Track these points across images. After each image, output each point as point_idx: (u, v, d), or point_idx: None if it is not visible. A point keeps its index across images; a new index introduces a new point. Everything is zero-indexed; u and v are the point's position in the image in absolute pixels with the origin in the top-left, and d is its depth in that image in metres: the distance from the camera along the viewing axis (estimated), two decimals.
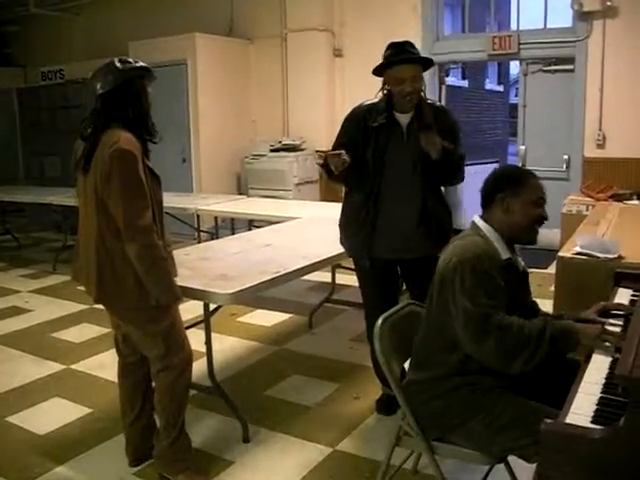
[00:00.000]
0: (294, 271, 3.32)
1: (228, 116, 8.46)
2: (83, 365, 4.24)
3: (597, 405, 1.66)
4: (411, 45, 3.08)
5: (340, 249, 3.65)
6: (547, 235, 7.12)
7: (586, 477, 1.52)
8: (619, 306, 2.30)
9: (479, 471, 2.59)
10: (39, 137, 10.04)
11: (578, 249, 3.06)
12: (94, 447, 3.17)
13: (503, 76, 17.93)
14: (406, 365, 2.39)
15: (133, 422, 2.94)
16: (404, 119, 3.14)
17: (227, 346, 4.52)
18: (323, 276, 5.40)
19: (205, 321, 3.29)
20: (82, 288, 2.71)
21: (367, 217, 3.17)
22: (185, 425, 2.84)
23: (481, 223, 2.26)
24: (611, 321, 2.18)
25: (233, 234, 5.85)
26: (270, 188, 7.83)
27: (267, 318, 5.16)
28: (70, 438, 3.28)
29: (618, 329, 2.10)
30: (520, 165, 2.45)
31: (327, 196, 7.91)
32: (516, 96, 9.43)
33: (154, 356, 2.72)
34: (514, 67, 14.81)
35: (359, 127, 3.17)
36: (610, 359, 1.90)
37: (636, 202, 5.26)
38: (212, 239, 6.29)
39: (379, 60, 3.11)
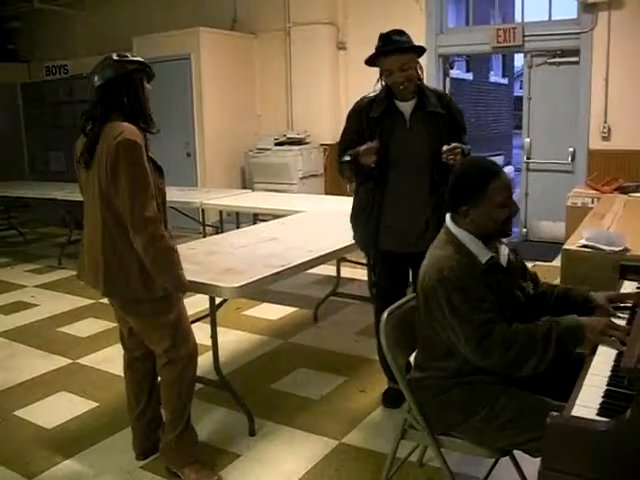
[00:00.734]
0: (299, 265, 3.33)
1: (232, 110, 8.46)
2: (89, 359, 4.26)
3: (603, 397, 1.66)
4: (399, 33, 3.06)
5: (345, 243, 3.66)
6: (551, 228, 7.15)
7: (592, 469, 1.52)
8: (627, 296, 2.29)
9: (485, 464, 2.59)
10: (43, 132, 10.07)
11: (583, 242, 3.05)
12: (101, 441, 3.19)
13: (507, 69, 17.89)
14: (411, 358, 2.40)
15: (139, 416, 2.95)
16: (406, 107, 3.13)
17: (233, 340, 4.53)
18: (328, 270, 5.40)
19: (211, 315, 3.30)
20: (94, 287, 2.72)
21: (373, 210, 3.17)
22: (191, 418, 2.85)
23: (454, 228, 2.20)
24: (617, 314, 2.18)
25: (238, 228, 5.86)
26: (275, 182, 7.83)
27: (272, 312, 5.17)
28: (77, 432, 3.30)
29: (624, 322, 2.10)
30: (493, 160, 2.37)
31: (332, 190, 7.92)
32: (521, 88, 9.40)
33: (160, 349, 2.72)
34: (519, 59, 14.78)
35: (362, 121, 3.18)
36: (616, 351, 1.90)
37: None
38: (217, 233, 6.30)
39: None
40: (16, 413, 3.51)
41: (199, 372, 2.90)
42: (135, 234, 2.49)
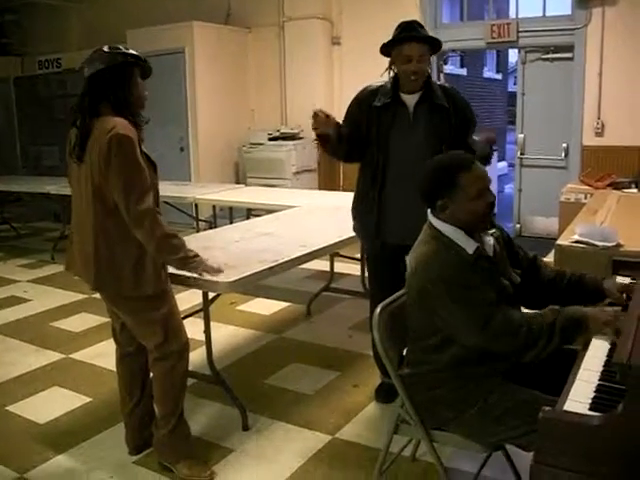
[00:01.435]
0: (293, 259, 3.32)
1: (226, 105, 8.44)
2: (82, 354, 4.25)
3: (595, 392, 1.67)
4: (420, 25, 3.09)
5: (338, 238, 3.66)
6: (545, 223, 7.16)
7: (584, 464, 1.53)
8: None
9: (478, 458, 2.60)
10: (36, 126, 10.04)
11: (577, 237, 3.06)
12: (94, 436, 3.18)
13: (502, 64, 17.88)
14: (405, 353, 2.40)
15: (132, 411, 2.94)
16: (411, 100, 3.12)
17: (226, 334, 4.53)
18: (322, 264, 5.40)
19: (204, 310, 3.29)
20: (78, 278, 2.71)
21: (373, 200, 3.17)
22: (184, 413, 2.85)
23: (437, 222, 2.19)
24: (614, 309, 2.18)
25: (231, 223, 5.85)
26: (268, 177, 7.83)
27: (266, 306, 5.17)
28: (70, 427, 3.29)
29: None
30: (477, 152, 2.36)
31: (325, 185, 7.92)
32: (515, 84, 9.41)
33: (151, 345, 2.72)
34: (513, 55, 14.77)
35: (362, 108, 3.17)
36: (608, 347, 1.91)
37: (634, 190, 5.25)
38: (210, 228, 6.28)
39: (378, 48, 3.10)
40: (8, 408, 3.51)
41: (192, 367, 2.90)
42: (134, 229, 2.51)
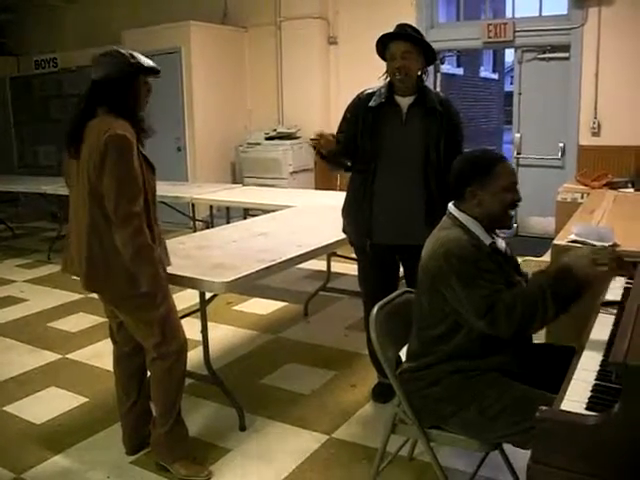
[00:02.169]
0: (290, 259, 3.33)
1: (223, 104, 8.44)
2: (79, 354, 4.25)
3: (591, 392, 1.67)
4: (413, 28, 3.13)
5: (335, 237, 3.66)
6: (542, 223, 7.17)
7: (580, 463, 1.53)
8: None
9: (474, 458, 2.61)
10: (33, 126, 10.01)
11: (573, 237, 3.07)
12: (91, 436, 3.18)
13: (498, 64, 17.88)
14: (401, 353, 2.40)
15: (129, 411, 2.94)
16: (404, 102, 3.14)
17: (223, 334, 4.53)
18: (318, 264, 5.40)
19: (201, 310, 3.29)
20: (76, 278, 2.71)
21: (364, 201, 3.18)
22: (181, 413, 2.85)
23: (458, 213, 2.23)
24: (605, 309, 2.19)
25: (228, 223, 5.85)
26: (265, 177, 7.83)
27: (263, 306, 5.17)
28: (67, 427, 3.29)
29: (612, 318, 2.11)
30: (492, 149, 2.40)
31: (322, 184, 7.92)
32: (511, 84, 9.41)
33: (149, 344, 2.72)
34: (509, 55, 14.77)
35: (358, 110, 3.19)
36: (604, 346, 1.91)
37: (631, 190, 5.26)
38: (207, 228, 6.28)
39: (374, 48, 3.14)
40: (5, 408, 3.50)
41: (189, 367, 2.90)
42: (118, 228, 2.48)
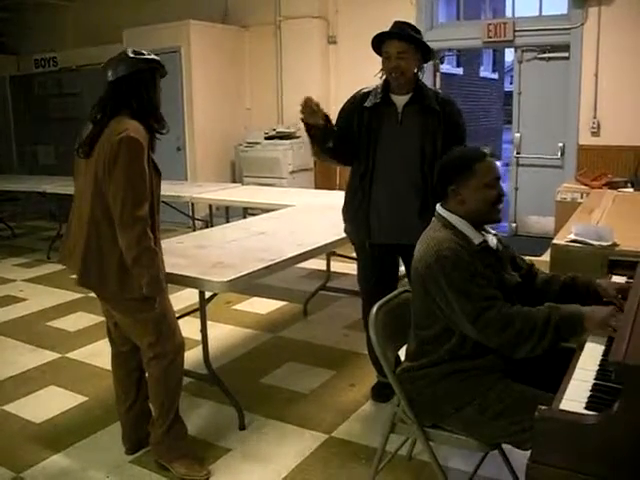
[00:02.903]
0: (289, 259, 3.33)
1: (222, 104, 8.43)
2: (78, 353, 4.24)
3: (591, 391, 1.67)
4: (409, 25, 3.12)
5: (335, 237, 3.66)
6: (541, 222, 7.17)
7: (580, 463, 1.53)
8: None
9: (474, 457, 2.61)
10: (32, 125, 10.00)
11: (573, 236, 3.06)
12: (90, 435, 3.18)
13: (498, 63, 17.91)
14: (401, 352, 2.40)
15: (128, 410, 2.94)
16: (400, 101, 3.14)
17: (222, 334, 4.53)
18: (318, 264, 5.40)
19: (201, 309, 3.29)
20: (75, 276, 2.71)
21: (363, 201, 3.18)
22: (181, 412, 2.85)
23: (445, 213, 2.24)
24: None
25: (228, 222, 5.85)
26: (265, 176, 7.82)
27: (262, 306, 5.17)
28: (66, 426, 3.29)
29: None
30: (475, 147, 2.37)
31: (322, 184, 7.92)
32: (511, 84, 9.42)
33: (145, 344, 2.72)
34: (509, 54, 14.78)
35: (354, 110, 3.19)
36: (604, 346, 1.91)
37: (630, 190, 5.26)
38: (207, 227, 6.29)
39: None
40: (4, 407, 3.50)
41: (189, 366, 2.90)
42: (122, 231, 2.48)
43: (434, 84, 7.51)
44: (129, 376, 2.93)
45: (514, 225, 7.51)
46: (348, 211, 3.33)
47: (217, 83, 8.34)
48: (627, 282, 2.44)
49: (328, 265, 5.13)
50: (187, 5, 8.55)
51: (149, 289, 2.55)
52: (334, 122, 3.21)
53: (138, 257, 2.49)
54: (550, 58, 7.01)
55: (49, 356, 4.22)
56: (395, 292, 2.46)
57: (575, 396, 1.65)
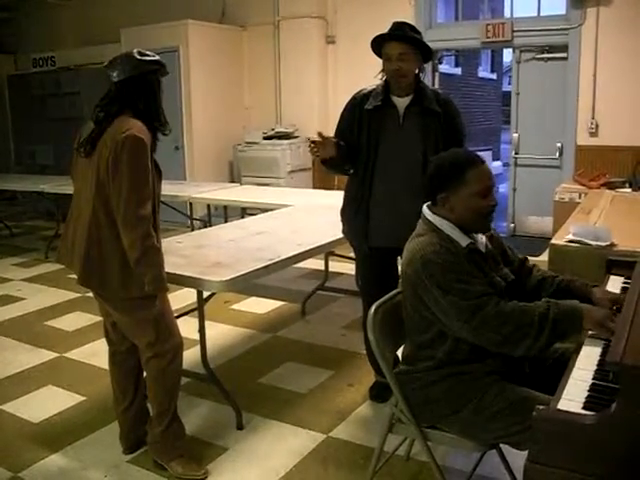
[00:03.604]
0: (288, 258, 3.33)
1: (221, 104, 8.43)
2: (76, 353, 4.24)
3: (588, 391, 1.67)
4: (411, 28, 3.09)
5: (333, 237, 3.66)
6: (539, 223, 7.18)
7: (577, 463, 1.53)
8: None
9: (472, 457, 2.61)
10: (30, 125, 9.97)
11: (571, 237, 3.07)
12: (88, 435, 3.18)
13: (496, 64, 17.90)
14: (399, 352, 2.40)
15: (126, 410, 2.94)
16: (401, 103, 3.13)
17: (220, 333, 4.53)
18: (316, 264, 5.40)
19: (199, 308, 3.29)
20: (74, 276, 2.71)
21: (362, 203, 3.17)
22: (178, 412, 2.85)
23: (432, 217, 2.20)
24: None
25: (226, 222, 5.85)
26: (263, 176, 7.83)
27: (260, 305, 5.16)
28: (64, 426, 3.28)
29: None
30: (471, 151, 2.33)
31: (320, 184, 7.92)
32: (509, 84, 9.42)
33: (144, 344, 2.71)
34: (507, 55, 14.79)
35: (355, 112, 3.18)
36: (601, 346, 1.91)
37: (628, 190, 5.28)
38: (205, 227, 6.28)
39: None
40: (2, 407, 3.50)
41: (187, 366, 2.89)
42: (125, 230, 2.48)
43: (432, 84, 7.51)
44: (127, 376, 2.93)
45: (512, 225, 7.51)
46: (347, 213, 3.31)
47: (215, 83, 8.33)
48: (624, 282, 2.44)
49: (326, 265, 5.13)
50: (185, 5, 8.55)
51: (152, 287, 2.55)
52: (335, 122, 3.22)
53: (142, 256, 2.49)
54: (548, 58, 7.02)
55: (47, 356, 4.21)
56: (394, 292, 2.45)
57: (573, 396, 1.65)
